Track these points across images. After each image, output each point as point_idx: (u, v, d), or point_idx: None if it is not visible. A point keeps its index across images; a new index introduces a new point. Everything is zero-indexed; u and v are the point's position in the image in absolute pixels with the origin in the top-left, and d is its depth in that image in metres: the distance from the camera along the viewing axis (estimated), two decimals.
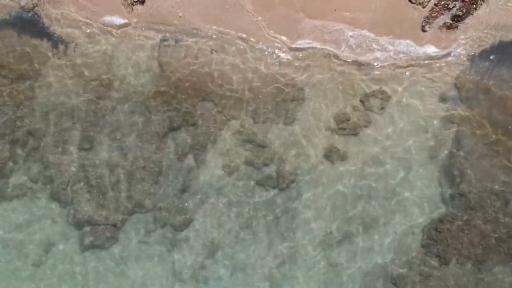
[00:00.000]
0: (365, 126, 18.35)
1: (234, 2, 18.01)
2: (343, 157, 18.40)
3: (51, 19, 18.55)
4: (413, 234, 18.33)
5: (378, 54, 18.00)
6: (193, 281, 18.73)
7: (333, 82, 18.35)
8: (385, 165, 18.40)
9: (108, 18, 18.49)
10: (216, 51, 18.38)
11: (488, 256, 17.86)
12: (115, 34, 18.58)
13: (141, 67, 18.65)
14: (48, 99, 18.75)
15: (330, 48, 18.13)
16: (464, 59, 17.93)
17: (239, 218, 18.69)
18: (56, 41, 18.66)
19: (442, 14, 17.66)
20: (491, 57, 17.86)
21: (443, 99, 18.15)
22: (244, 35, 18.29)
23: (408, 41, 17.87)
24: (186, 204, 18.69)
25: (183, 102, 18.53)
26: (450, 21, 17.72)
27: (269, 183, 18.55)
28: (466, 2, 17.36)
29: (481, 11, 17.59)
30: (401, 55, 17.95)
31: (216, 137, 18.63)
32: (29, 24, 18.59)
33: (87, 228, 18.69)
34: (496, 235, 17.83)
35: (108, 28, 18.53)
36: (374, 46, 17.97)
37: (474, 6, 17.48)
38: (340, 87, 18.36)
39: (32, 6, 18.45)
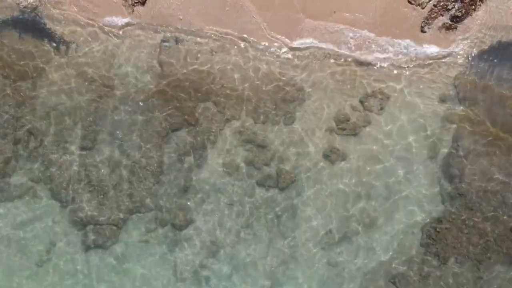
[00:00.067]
0: (365, 126, 18.35)
1: (234, 3, 18.03)
2: (343, 157, 18.41)
3: (52, 19, 18.59)
4: (412, 233, 18.31)
5: (377, 54, 18.02)
6: (194, 280, 18.73)
7: (333, 82, 18.37)
8: (384, 165, 18.41)
9: (109, 19, 18.52)
10: (216, 52, 18.41)
11: (487, 255, 17.83)
12: (116, 34, 18.62)
13: (141, 67, 18.68)
14: (50, 99, 18.80)
15: (330, 49, 18.13)
16: (463, 59, 17.94)
17: (240, 217, 18.71)
18: (57, 42, 18.72)
19: (441, 15, 17.64)
20: (490, 58, 17.87)
21: (442, 99, 18.14)
22: (244, 36, 18.31)
23: (408, 42, 17.87)
24: (187, 203, 18.72)
25: (184, 102, 18.56)
26: (449, 22, 17.70)
27: (269, 182, 18.56)
28: (465, 3, 17.37)
29: (480, 12, 17.58)
30: (401, 56, 17.96)
31: (216, 137, 18.65)
32: (31, 25, 18.64)
33: (88, 228, 18.72)
34: (495, 235, 17.81)
35: (109, 29, 18.57)
36: (374, 46, 17.98)
37: (473, 7, 17.48)
38: (340, 87, 18.37)
39: (33, 7, 18.52)
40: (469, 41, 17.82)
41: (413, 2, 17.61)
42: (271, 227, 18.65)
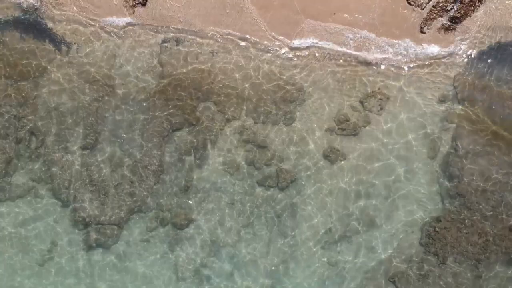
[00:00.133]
0: (365, 126, 18.39)
1: (234, 4, 18.04)
2: (343, 157, 18.46)
3: (53, 20, 18.63)
4: (412, 232, 18.37)
5: (377, 54, 18.04)
6: (195, 279, 18.80)
7: (333, 83, 18.40)
8: (384, 164, 18.45)
9: (110, 19, 18.54)
10: (216, 53, 18.44)
11: (486, 254, 17.87)
12: (117, 35, 18.64)
13: (142, 67, 18.71)
14: (51, 99, 18.84)
15: (330, 49, 18.13)
16: (463, 60, 17.96)
17: (240, 216, 18.76)
18: (58, 42, 18.73)
19: (440, 16, 17.66)
20: (489, 58, 17.90)
21: (441, 99, 18.17)
22: (244, 36, 18.33)
23: (407, 42, 17.88)
24: (188, 202, 18.77)
25: (184, 102, 18.60)
26: (448, 23, 17.72)
27: (269, 182, 18.61)
28: (464, 4, 17.38)
29: (479, 13, 17.60)
30: (400, 56, 17.99)
31: (217, 137, 18.70)
32: (32, 26, 18.65)
33: (90, 227, 18.78)
34: (494, 234, 17.85)
35: (110, 29, 18.58)
36: (373, 47, 18.01)
37: (472, 8, 17.50)
38: (340, 88, 18.40)
39: (34, 7, 18.51)
40: (468, 41, 17.85)
41: (412, 3, 17.62)
42: (271, 226, 18.72)
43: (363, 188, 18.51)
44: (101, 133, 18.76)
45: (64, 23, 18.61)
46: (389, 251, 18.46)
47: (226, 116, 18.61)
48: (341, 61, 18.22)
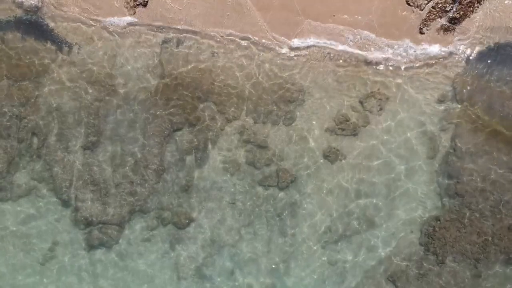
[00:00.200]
0: (364, 126, 18.43)
1: (235, 5, 18.08)
2: (342, 157, 18.52)
3: (54, 20, 18.64)
4: (411, 232, 18.43)
5: (377, 55, 18.07)
6: (195, 278, 18.88)
7: (333, 83, 18.41)
8: (383, 164, 18.51)
9: (111, 20, 18.54)
10: (217, 53, 18.47)
11: (485, 253, 17.92)
12: (118, 35, 18.65)
13: (143, 67, 18.73)
14: (53, 99, 18.87)
15: (330, 49, 18.16)
16: (462, 60, 17.99)
17: (241, 216, 18.82)
18: (60, 42, 18.75)
19: (439, 16, 17.68)
20: (488, 58, 17.92)
21: (441, 99, 18.21)
22: (245, 37, 18.36)
23: (407, 43, 17.92)
24: (189, 202, 18.82)
25: (185, 103, 18.63)
26: (448, 24, 17.74)
27: (269, 182, 18.67)
28: (463, 5, 17.39)
29: (478, 14, 17.61)
30: (400, 57, 18.02)
31: (217, 137, 18.75)
32: (33, 26, 18.67)
33: (91, 226, 18.84)
34: (493, 233, 17.92)
35: (111, 30, 18.59)
36: (373, 47, 18.04)
37: (471, 9, 17.51)
38: (340, 88, 18.42)
39: (36, 8, 18.55)
40: (467, 42, 17.89)
41: (411, 4, 17.64)
42: (272, 225, 18.78)
43: (363, 187, 18.56)
44: (102, 133, 18.81)
45: (66, 23, 18.63)
46: (389, 250, 18.51)
47: (226, 116, 18.65)
48: (341, 61, 18.25)
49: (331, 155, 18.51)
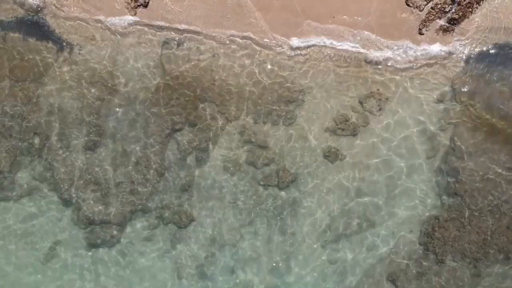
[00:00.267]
0: (364, 126, 18.47)
1: (235, 6, 18.10)
2: (342, 157, 18.56)
3: (56, 21, 18.62)
4: (411, 231, 18.49)
5: (376, 55, 18.10)
6: (197, 276, 18.93)
7: (333, 83, 18.45)
8: (383, 164, 18.56)
9: (112, 20, 18.54)
10: (217, 54, 18.51)
11: (485, 253, 17.97)
12: (118, 36, 18.65)
13: (144, 69, 18.74)
14: (54, 98, 18.88)
15: (330, 50, 18.20)
16: (461, 60, 18.03)
17: (241, 215, 18.87)
18: (61, 42, 18.75)
19: (438, 17, 17.69)
20: (487, 58, 17.96)
21: (440, 99, 18.26)
22: (245, 37, 18.37)
23: (406, 43, 17.96)
24: (190, 201, 18.86)
25: (185, 103, 18.65)
26: (447, 24, 17.76)
27: (270, 182, 18.71)
28: (462, 5, 17.41)
29: (477, 15, 17.64)
30: (399, 57, 18.06)
31: (218, 136, 18.78)
32: (35, 26, 18.67)
33: (93, 225, 18.87)
34: (492, 232, 17.97)
35: (112, 30, 18.60)
36: (373, 48, 18.08)
37: (470, 9, 17.52)
38: (340, 88, 18.46)
39: (38, 8, 18.57)
40: (466, 42, 17.92)
41: (411, 4, 17.66)
42: (272, 224, 18.83)
43: (363, 187, 18.61)
44: (103, 132, 18.84)
45: (67, 23, 18.63)
46: (389, 249, 18.56)
47: (227, 116, 18.67)
48: (341, 61, 18.27)
49: (331, 155, 18.55)
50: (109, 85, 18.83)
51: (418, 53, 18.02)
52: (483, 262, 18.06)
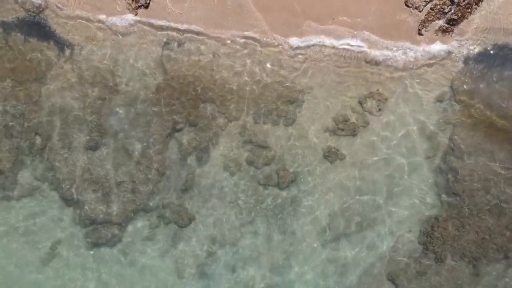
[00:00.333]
0: (363, 127, 18.51)
1: (235, 7, 18.13)
2: (342, 156, 18.61)
3: (58, 21, 18.63)
4: (410, 231, 18.53)
5: (376, 56, 18.13)
6: (197, 275, 18.96)
7: (333, 83, 18.46)
8: (382, 164, 18.60)
9: (113, 20, 18.57)
10: (218, 54, 18.54)
11: (484, 252, 18.00)
12: (119, 36, 18.67)
13: (145, 69, 18.77)
14: (55, 99, 18.90)
15: (330, 50, 18.22)
16: (460, 60, 18.06)
17: (242, 214, 18.91)
18: (62, 43, 18.77)
19: (438, 18, 17.74)
20: (486, 58, 17.99)
21: (439, 99, 18.29)
22: (246, 37, 18.41)
23: (405, 44, 18.00)
24: (191, 201, 18.89)
25: (186, 103, 18.68)
26: (446, 25, 17.80)
27: (270, 182, 18.74)
28: (461, 6, 17.45)
29: (476, 15, 17.68)
30: (398, 58, 18.09)
31: (218, 137, 18.80)
32: (36, 27, 18.70)
33: (94, 224, 18.90)
34: (492, 232, 18.01)
35: (113, 31, 18.62)
36: (372, 48, 18.12)
37: (469, 10, 17.56)
38: (340, 88, 18.49)
39: (39, 9, 18.61)
40: (465, 43, 17.96)
41: (410, 5, 17.70)
42: (272, 223, 18.86)
43: (362, 186, 18.64)
44: (105, 132, 18.87)
45: (68, 23, 18.65)
46: (388, 248, 18.60)
47: (227, 116, 18.70)
48: (341, 61, 18.31)
49: (331, 155, 18.60)
50: (110, 84, 18.85)
51: (418, 54, 18.07)
52: (482, 261, 18.10)
